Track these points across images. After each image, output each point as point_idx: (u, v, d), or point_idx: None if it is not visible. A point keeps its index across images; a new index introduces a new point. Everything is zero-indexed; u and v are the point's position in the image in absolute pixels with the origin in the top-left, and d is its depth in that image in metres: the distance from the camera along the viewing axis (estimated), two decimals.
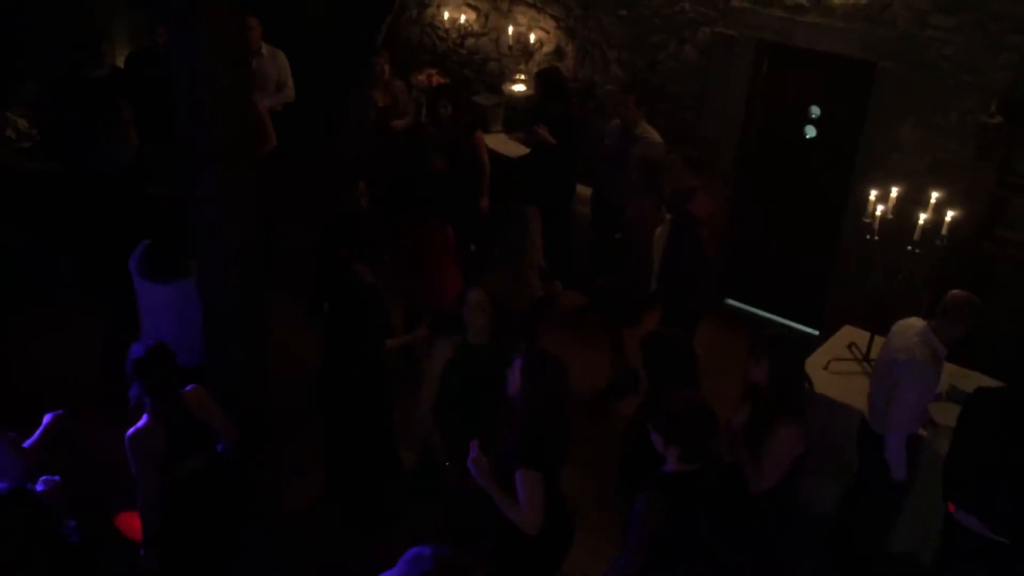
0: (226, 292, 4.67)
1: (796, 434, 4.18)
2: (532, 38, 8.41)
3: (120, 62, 8.58)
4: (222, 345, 4.75)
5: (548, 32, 8.34)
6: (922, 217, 5.48)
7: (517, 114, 8.52)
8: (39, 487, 3.96)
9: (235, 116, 4.49)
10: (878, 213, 5.56)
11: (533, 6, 8.35)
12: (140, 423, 4.16)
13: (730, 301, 7.87)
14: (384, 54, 8.24)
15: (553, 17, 8.27)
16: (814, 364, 5.59)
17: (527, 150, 8.08)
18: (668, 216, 6.12)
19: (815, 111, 7.18)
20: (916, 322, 4.82)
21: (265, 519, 4.97)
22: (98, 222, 5.96)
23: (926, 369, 4.64)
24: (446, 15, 8.90)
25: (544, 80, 7.65)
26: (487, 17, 8.71)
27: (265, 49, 7.86)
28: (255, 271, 4.76)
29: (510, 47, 8.62)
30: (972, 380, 5.17)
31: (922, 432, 4.98)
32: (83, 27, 8.41)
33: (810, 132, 7.25)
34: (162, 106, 7.37)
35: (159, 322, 5.12)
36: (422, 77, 8.73)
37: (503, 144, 8.31)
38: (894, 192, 5.62)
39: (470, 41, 8.91)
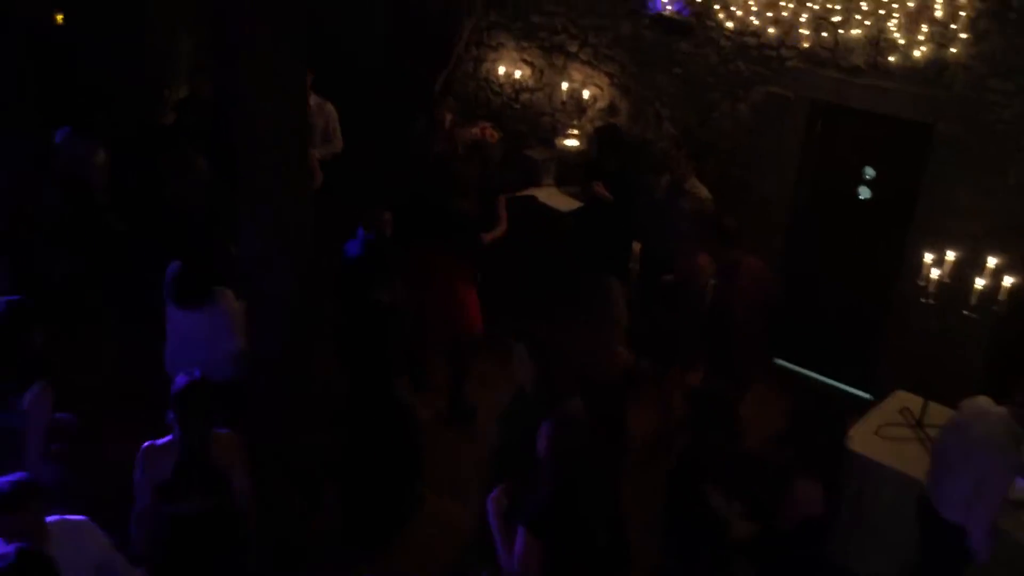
0: (277, 325, 4.75)
1: (812, 493, 4.08)
2: (586, 94, 8.48)
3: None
4: (269, 373, 4.82)
5: (602, 88, 8.41)
6: (979, 282, 5.37)
7: (569, 168, 8.57)
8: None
9: (293, 157, 4.61)
10: (933, 276, 5.47)
11: (588, 63, 8.44)
12: (160, 440, 4.22)
13: (779, 361, 7.75)
14: (448, 103, 8.37)
15: (607, 74, 8.34)
16: (865, 428, 5.47)
17: (577, 204, 8.11)
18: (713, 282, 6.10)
19: (869, 172, 7.12)
20: (991, 406, 4.65)
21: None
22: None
23: (1015, 459, 4.52)
24: (501, 70, 9.03)
25: (602, 136, 7.71)
26: (542, 73, 8.82)
27: (313, 100, 7.88)
28: (306, 308, 4.84)
29: (564, 102, 8.71)
30: None
31: None
32: (143, 74, 8.68)
33: (864, 193, 7.18)
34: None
35: (187, 345, 5.33)
36: (476, 130, 8.84)
37: (554, 197, 8.35)
38: (950, 256, 5.53)
39: (524, 96, 9.01)
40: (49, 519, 3.65)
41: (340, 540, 5.47)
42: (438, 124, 8.17)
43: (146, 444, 4.20)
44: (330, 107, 8.14)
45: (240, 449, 4.33)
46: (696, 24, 7.61)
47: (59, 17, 9.19)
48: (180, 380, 4.21)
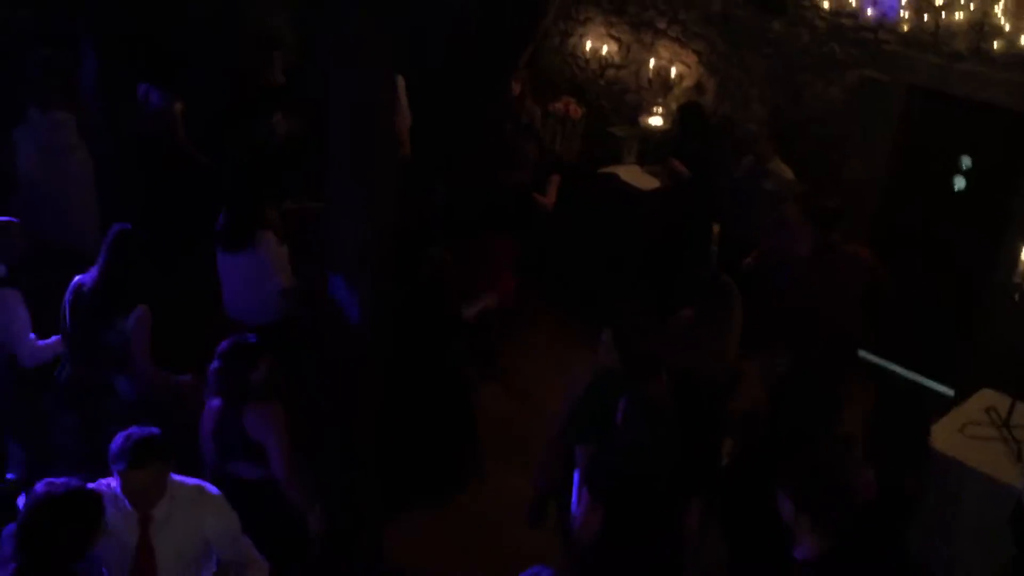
0: (359, 301, 4.81)
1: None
2: (673, 72, 8.36)
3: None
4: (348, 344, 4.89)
5: (690, 67, 8.28)
6: None
7: (652, 147, 8.47)
8: None
9: (379, 131, 4.64)
10: None
11: (676, 40, 8.31)
12: (215, 401, 4.31)
13: (860, 352, 7.58)
14: (522, 76, 8.34)
15: (696, 52, 8.20)
16: (948, 426, 5.32)
17: (658, 183, 8.03)
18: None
19: (966, 162, 6.88)
20: None
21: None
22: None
23: None
24: (588, 45, 8.94)
25: (685, 114, 7.61)
26: (629, 49, 8.71)
27: None
28: (387, 284, 4.90)
29: (650, 80, 8.59)
30: None
31: None
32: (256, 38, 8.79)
33: (959, 183, 6.95)
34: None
35: (235, 289, 5.72)
36: (559, 105, 8.80)
37: (635, 176, 8.27)
38: None
39: (610, 72, 8.92)
40: (187, 480, 3.65)
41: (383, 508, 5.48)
42: (508, 95, 8.15)
43: (209, 403, 4.32)
44: (400, 80, 8.11)
45: (276, 423, 4.25)
46: (790, 3, 7.42)
47: None
48: (223, 343, 4.27)
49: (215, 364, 4.22)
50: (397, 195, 4.88)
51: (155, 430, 3.49)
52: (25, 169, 6.84)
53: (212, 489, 3.72)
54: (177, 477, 3.63)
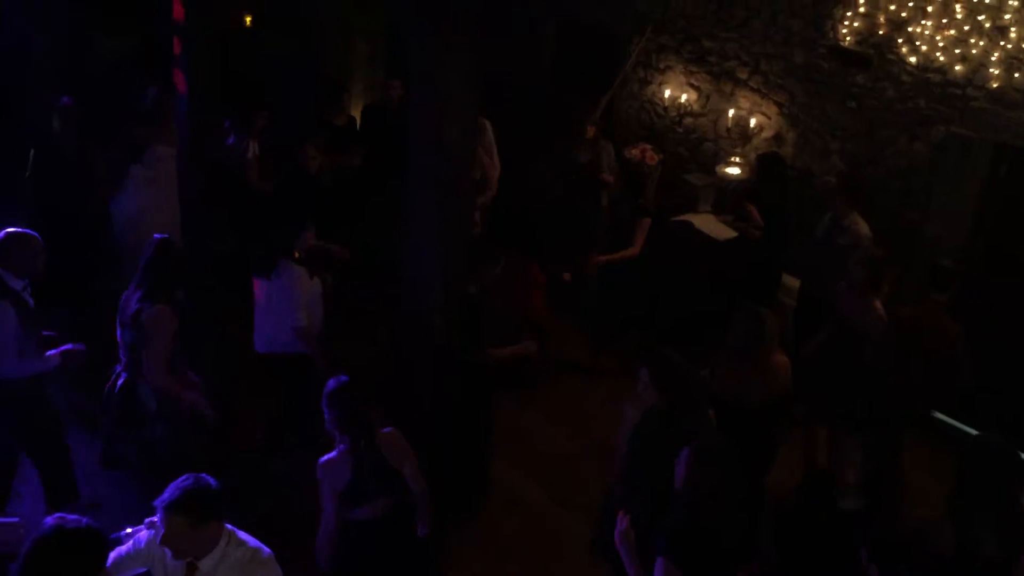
0: (428, 335, 4.84)
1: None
2: (752, 122, 8.31)
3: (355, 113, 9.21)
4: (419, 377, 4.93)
5: (769, 117, 8.22)
6: None
7: (728, 196, 8.41)
8: None
9: (459, 169, 4.69)
10: None
11: (757, 91, 8.27)
12: (333, 452, 4.27)
13: (937, 415, 7.34)
14: (595, 119, 8.42)
15: (776, 103, 8.15)
16: None
17: (733, 234, 7.95)
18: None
19: None
20: None
21: None
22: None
23: None
24: (667, 93, 8.95)
25: (763, 163, 7.54)
26: (708, 98, 8.70)
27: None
28: (455, 317, 4.92)
29: (728, 129, 8.55)
30: None
31: None
32: (329, 80, 9.09)
33: None
34: (389, 155, 7.99)
35: (260, 315, 5.83)
36: (635, 151, 8.79)
37: (710, 225, 8.19)
38: None
39: (688, 120, 8.91)
40: (249, 540, 3.59)
41: None
42: (582, 137, 8.20)
43: (322, 460, 4.24)
44: (489, 127, 8.24)
45: (406, 445, 4.34)
46: (875, 57, 7.34)
47: (248, 19, 9.69)
48: (330, 383, 4.27)
49: (334, 410, 4.21)
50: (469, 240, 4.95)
51: (212, 482, 3.45)
52: (133, 199, 7.11)
53: (266, 553, 3.63)
54: (242, 535, 3.58)
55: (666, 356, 4.56)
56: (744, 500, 3.97)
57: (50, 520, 3.12)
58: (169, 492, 3.38)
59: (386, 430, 4.34)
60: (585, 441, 6.65)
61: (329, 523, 4.31)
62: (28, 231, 5.08)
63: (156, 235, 5.19)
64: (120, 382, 5.11)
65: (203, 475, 3.44)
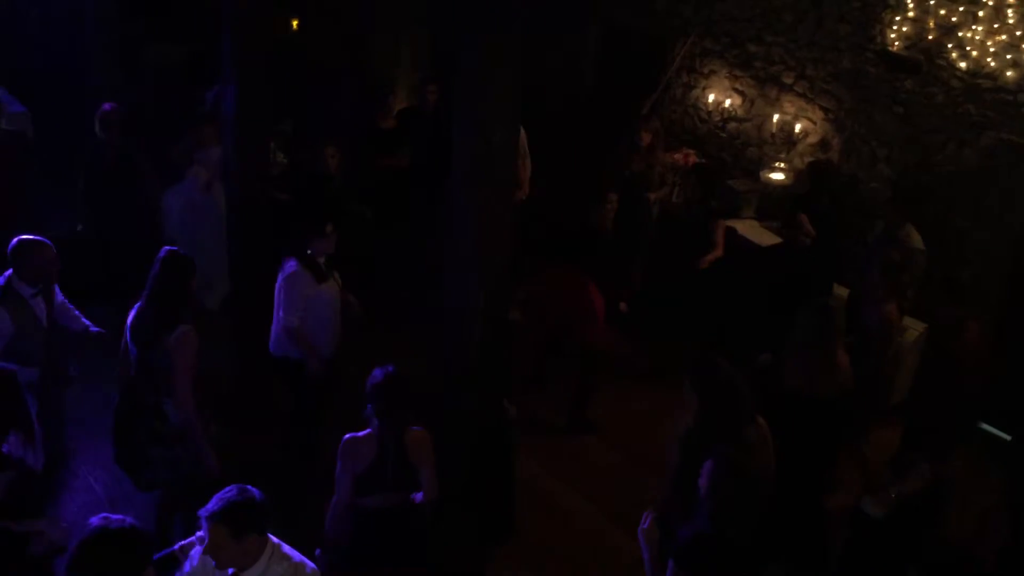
0: (469, 338, 4.87)
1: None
2: (797, 127, 8.24)
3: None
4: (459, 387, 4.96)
5: (815, 123, 8.16)
6: None
7: (771, 202, 8.35)
8: None
9: (499, 171, 4.73)
10: None
11: (803, 95, 8.21)
12: (361, 433, 4.33)
13: (985, 426, 7.23)
14: (652, 124, 8.36)
15: (822, 108, 8.08)
16: None
17: (777, 240, 7.89)
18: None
19: None
20: None
21: None
22: None
23: None
24: (711, 98, 8.92)
25: (815, 171, 7.47)
26: (752, 103, 8.65)
27: None
28: (498, 319, 4.95)
29: (773, 135, 8.50)
30: None
31: None
32: (374, 82, 9.18)
33: None
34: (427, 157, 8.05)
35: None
36: (678, 156, 8.78)
37: (754, 231, 8.15)
38: None
39: (732, 125, 8.86)
40: (294, 555, 3.61)
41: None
42: (637, 144, 8.17)
43: (347, 436, 4.32)
44: (522, 133, 8.23)
45: (430, 449, 4.39)
46: (924, 62, 7.25)
47: (294, 23, 9.81)
48: (377, 373, 4.30)
49: (374, 400, 4.25)
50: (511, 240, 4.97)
51: (256, 494, 3.47)
52: (187, 201, 7.25)
53: (310, 568, 3.64)
54: (287, 549, 3.60)
55: (711, 363, 4.54)
56: (764, 513, 3.97)
57: (95, 520, 3.20)
58: (213, 502, 3.42)
59: (416, 428, 4.38)
60: (632, 451, 6.60)
61: (338, 505, 4.36)
62: (40, 238, 5.11)
63: (165, 248, 4.99)
64: (143, 402, 4.91)
65: (248, 487, 3.47)
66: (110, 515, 3.22)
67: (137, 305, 4.91)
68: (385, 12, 10.27)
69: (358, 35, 10.16)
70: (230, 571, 3.51)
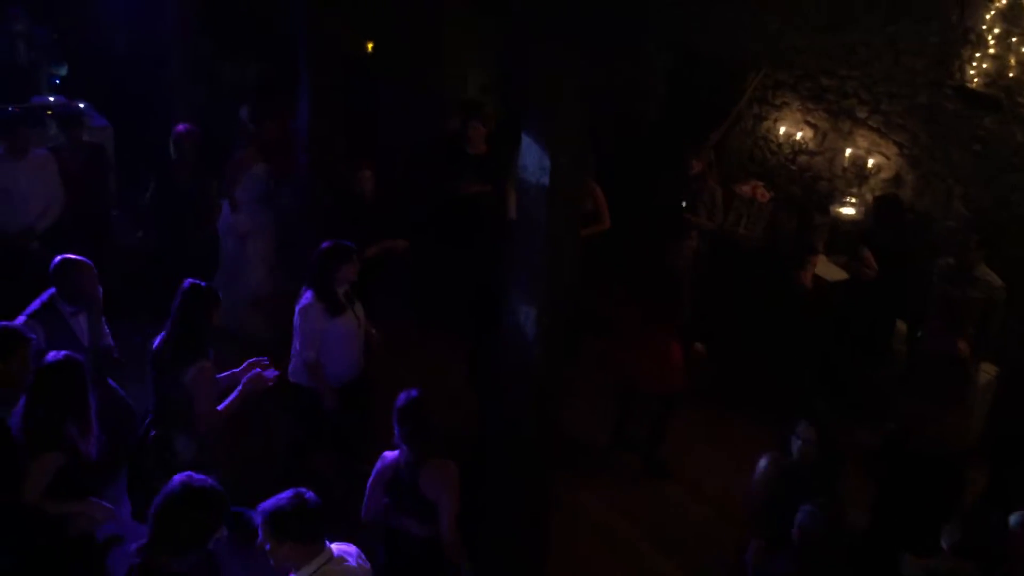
0: (528, 364, 4.85)
1: None
2: (870, 162, 8.10)
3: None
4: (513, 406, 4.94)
5: (888, 158, 8.00)
6: None
7: (840, 237, 8.20)
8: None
9: (568, 199, 4.72)
10: None
11: (876, 130, 8.06)
12: (392, 452, 4.33)
13: None
14: (704, 153, 8.30)
15: (896, 143, 7.92)
16: None
17: (846, 275, 7.74)
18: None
19: None
20: None
21: None
22: None
23: None
24: (782, 130, 8.81)
25: (881, 205, 7.34)
26: (824, 136, 8.52)
27: None
28: (558, 350, 4.92)
29: (844, 169, 8.36)
30: None
31: None
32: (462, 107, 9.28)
33: None
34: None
35: None
36: (747, 188, 8.67)
37: (822, 266, 8.00)
38: None
39: (802, 158, 8.74)
40: (340, 553, 3.61)
41: None
42: (684, 172, 8.07)
43: (386, 453, 4.35)
44: (598, 189, 8.11)
45: (450, 482, 4.26)
46: (1004, 99, 7.07)
47: (369, 45, 9.98)
48: (401, 397, 4.30)
49: (407, 420, 4.22)
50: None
51: (311, 499, 3.48)
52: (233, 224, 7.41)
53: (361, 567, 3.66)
54: (341, 553, 3.59)
55: (814, 411, 4.64)
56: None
57: (179, 477, 3.40)
58: (267, 503, 3.48)
59: (440, 460, 4.27)
60: (687, 485, 6.54)
61: (363, 516, 4.38)
62: (82, 259, 5.16)
63: (187, 280, 4.84)
64: (152, 435, 4.86)
65: (306, 493, 3.49)
66: (194, 474, 3.43)
67: (161, 334, 4.82)
68: (455, 37, 10.40)
69: (430, 58, 10.28)
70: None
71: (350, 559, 3.60)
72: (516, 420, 5.07)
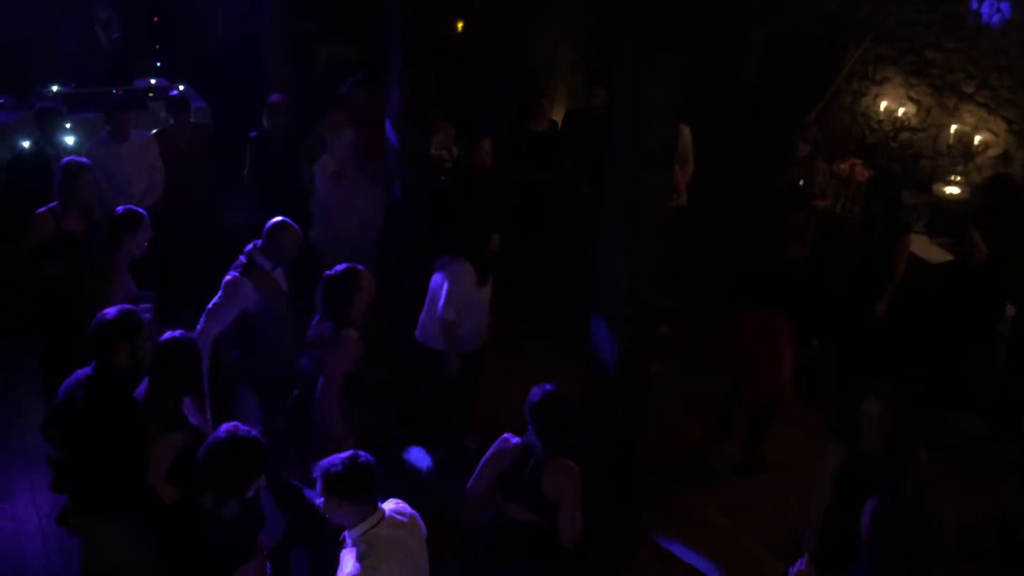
0: (614, 341, 4.82)
1: None
2: (976, 139, 7.76)
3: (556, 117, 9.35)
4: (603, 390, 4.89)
5: (997, 135, 7.65)
6: None
7: (943, 217, 7.88)
8: None
9: (656, 175, 4.64)
10: None
11: (984, 105, 7.72)
12: (516, 438, 4.26)
13: None
14: (810, 132, 8.06)
15: (1005, 119, 7.57)
16: None
17: (948, 257, 7.45)
18: None
19: None
20: None
21: None
22: None
23: None
24: (883, 106, 8.51)
25: (994, 185, 7.00)
26: (928, 112, 8.20)
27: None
28: (645, 326, 4.86)
29: (949, 146, 8.03)
30: None
31: None
32: (531, 89, 9.27)
33: None
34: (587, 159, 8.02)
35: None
36: (844, 166, 8.40)
37: (923, 247, 7.72)
38: None
39: (904, 135, 8.43)
40: (393, 513, 3.68)
41: None
42: (793, 155, 7.86)
43: (506, 435, 4.29)
44: (687, 131, 8.14)
45: (572, 485, 4.15)
46: None
47: (459, 24, 9.99)
48: (534, 392, 4.20)
49: (541, 416, 4.15)
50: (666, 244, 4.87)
51: (365, 460, 3.53)
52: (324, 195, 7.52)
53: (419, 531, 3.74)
54: (392, 512, 3.66)
55: (886, 392, 4.20)
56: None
57: (225, 426, 3.61)
58: (324, 462, 3.55)
59: (565, 462, 4.17)
60: (776, 471, 6.38)
61: (469, 490, 4.35)
62: (291, 222, 5.44)
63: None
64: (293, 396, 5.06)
65: (361, 455, 3.54)
66: (240, 424, 3.62)
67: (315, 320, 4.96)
68: (544, 15, 10.32)
69: (518, 37, 10.25)
70: None
71: (402, 517, 3.66)
72: (607, 415, 5.04)
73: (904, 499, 3.53)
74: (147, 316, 4.83)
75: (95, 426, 4.07)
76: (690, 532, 5.75)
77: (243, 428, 3.60)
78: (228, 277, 5.35)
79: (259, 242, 5.43)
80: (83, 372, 4.21)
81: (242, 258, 5.41)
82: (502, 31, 10.12)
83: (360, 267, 4.95)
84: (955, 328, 7.12)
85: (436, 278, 5.88)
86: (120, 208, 5.50)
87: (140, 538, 4.07)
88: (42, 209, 5.89)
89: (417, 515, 3.77)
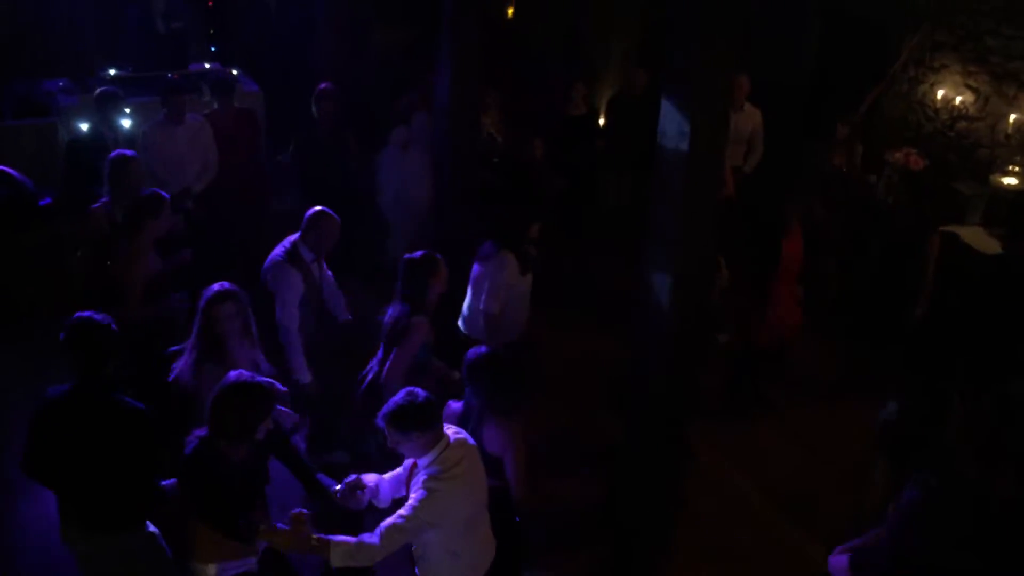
0: (664, 330, 4.81)
1: None
2: None
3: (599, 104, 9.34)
4: (649, 373, 4.92)
5: None
6: None
7: (1001, 209, 7.72)
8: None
9: (703, 166, 4.62)
10: None
11: None
12: (452, 404, 4.44)
13: None
14: (852, 120, 8.01)
15: None
16: None
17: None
18: None
19: None
20: None
21: None
22: None
23: None
24: (939, 94, 8.34)
25: None
26: (987, 101, 8.02)
27: (747, 107, 8.26)
28: (695, 316, 4.85)
29: (1008, 136, 7.85)
30: None
31: None
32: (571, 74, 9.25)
33: None
34: (630, 145, 8.03)
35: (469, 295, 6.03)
36: (899, 155, 8.26)
37: (978, 239, 7.56)
38: None
39: (961, 124, 8.26)
40: (455, 441, 3.90)
41: None
42: (833, 139, 7.84)
43: (452, 402, 4.48)
44: (758, 115, 8.21)
45: (512, 440, 4.30)
46: None
47: (510, 11, 9.99)
48: (469, 353, 4.38)
49: (473, 377, 4.32)
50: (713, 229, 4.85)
51: (420, 396, 3.76)
52: (393, 171, 7.58)
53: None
54: (455, 437, 3.87)
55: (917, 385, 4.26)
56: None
57: (234, 373, 3.88)
58: (384, 409, 3.79)
59: (503, 418, 4.30)
60: (820, 462, 6.38)
61: None
62: (330, 211, 5.49)
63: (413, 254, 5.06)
64: (369, 378, 5.21)
65: (416, 390, 3.80)
66: (245, 372, 3.92)
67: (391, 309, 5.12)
68: (598, 6, 10.28)
69: (570, 23, 10.22)
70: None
71: (464, 438, 3.94)
72: (657, 395, 5.05)
73: (933, 494, 3.32)
74: (186, 306, 4.98)
75: (102, 436, 3.94)
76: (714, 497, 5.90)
77: (247, 375, 3.87)
78: (272, 264, 5.41)
79: (296, 235, 5.46)
80: (60, 390, 4.01)
81: (281, 248, 5.45)
82: (553, 17, 10.09)
83: (438, 255, 5.04)
84: (1009, 319, 6.98)
85: (477, 268, 5.86)
86: (145, 191, 5.62)
87: (149, 549, 4.19)
88: (96, 205, 5.95)
89: (470, 437, 4.00)
